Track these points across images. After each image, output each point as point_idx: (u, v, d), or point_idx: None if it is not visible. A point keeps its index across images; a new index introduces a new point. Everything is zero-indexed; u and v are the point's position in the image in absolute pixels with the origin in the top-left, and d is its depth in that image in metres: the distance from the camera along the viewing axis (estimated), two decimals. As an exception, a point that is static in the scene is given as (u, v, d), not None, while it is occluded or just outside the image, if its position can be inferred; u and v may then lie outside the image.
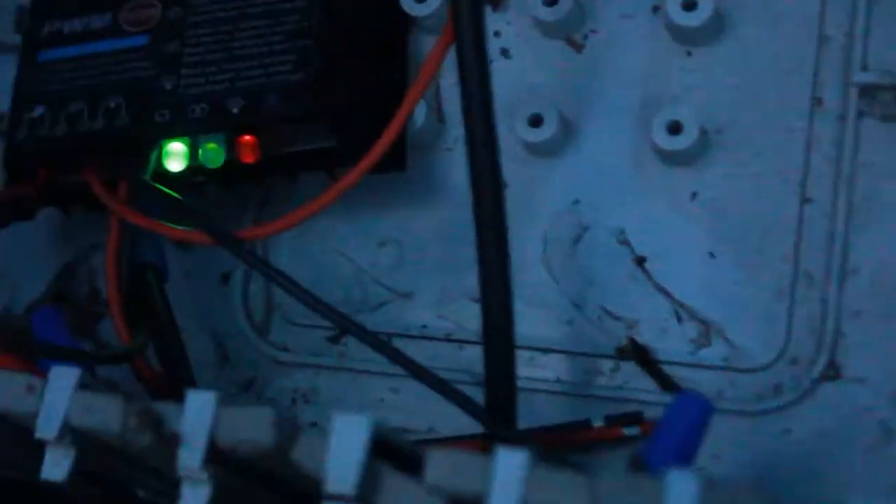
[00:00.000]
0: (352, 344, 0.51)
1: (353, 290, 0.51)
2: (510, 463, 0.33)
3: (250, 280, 0.52)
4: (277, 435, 0.35)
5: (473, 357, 0.48)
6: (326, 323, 0.50)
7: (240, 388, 0.51)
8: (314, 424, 0.49)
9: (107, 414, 0.37)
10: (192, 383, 0.47)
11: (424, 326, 0.50)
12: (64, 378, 0.37)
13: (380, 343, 0.44)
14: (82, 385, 0.37)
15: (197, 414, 0.36)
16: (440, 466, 0.34)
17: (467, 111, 0.40)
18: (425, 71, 0.42)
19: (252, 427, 0.35)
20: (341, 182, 0.43)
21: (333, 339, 0.51)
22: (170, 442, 0.36)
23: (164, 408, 0.37)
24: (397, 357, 0.43)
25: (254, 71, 0.46)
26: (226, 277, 0.53)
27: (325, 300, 0.43)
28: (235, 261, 0.52)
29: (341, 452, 0.34)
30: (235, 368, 0.52)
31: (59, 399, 0.37)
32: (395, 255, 0.51)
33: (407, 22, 0.51)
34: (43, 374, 0.42)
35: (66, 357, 0.43)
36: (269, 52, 0.46)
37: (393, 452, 0.36)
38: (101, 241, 0.54)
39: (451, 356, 0.49)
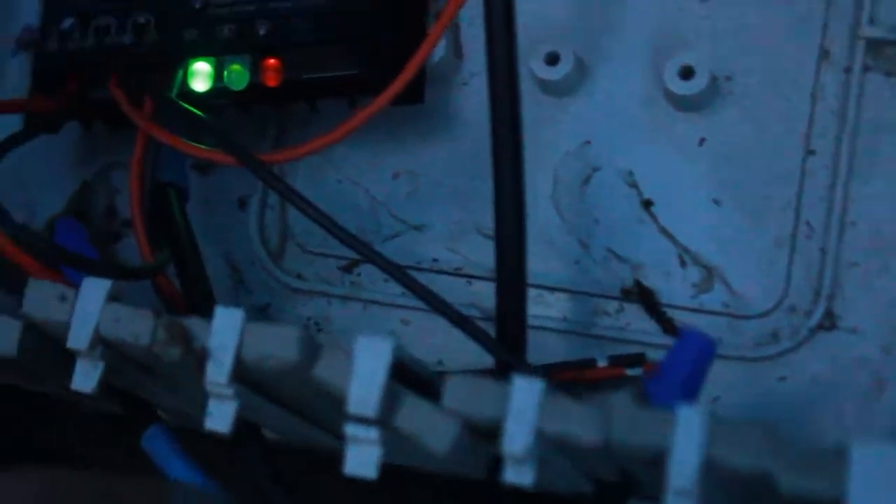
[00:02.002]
0: (365, 274, 0.52)
1: (366, 220, 0.52)
2: (526, 390, 0.34)
3: (266, 206, 0.53)
4: (302, 352, 0.36)
5: (483, 292, 0.50)
6: (340, 252, 0.51)
7: (254, 314, 0.52)
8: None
9: (137, 326, 0.38)
10: (213, 303, 0.48)
11: (435, 260, 0.51)
12: (96, 289, 0.38)
13: (398, 271, 0.45)
14: (113, 297, 0.39)
15: (225, 329, 0.37)
16: (458, 392, 0.35)
17: (491, 47, 0.41)
18: (452, 2, 0.43)
19: (279, 343, 0.36)
20: (364, 110, 0.44)
21: (347, 269, 0.52)
22: (197, 357, 0.37)
23: (193, 322, 0.38)
24: (414, 286, 0.44)
25: (284, -8, 0.47)
26: (242, 203, 0.54)
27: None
28: (252, 186, 0.53)
29: (364, 374, 0.35)
30: (250, 294, 0.53)
31: (90, 309, 0.38)
32: (409, 187, 0.52)
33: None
34: (66, 280, 0.43)
35: (90, 268, 0.44)
36: (298, -26, 0.47)
37: (411, 377, 0.37)
38: (121, 160, 0.55)
39: (461, 290, 0.50)
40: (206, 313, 0.46)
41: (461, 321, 0.43)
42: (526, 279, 0.42)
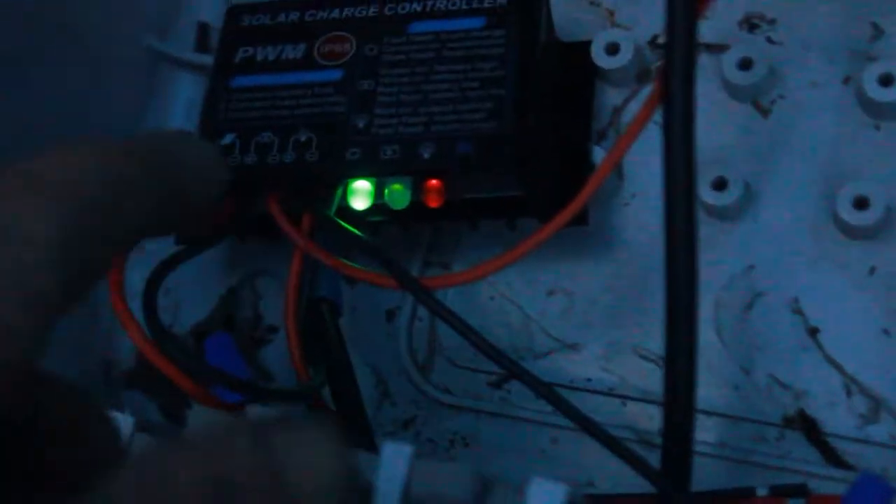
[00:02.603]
0: (514, 391, 0.51)
1: (518, 337, 0.51)
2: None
3: (415, 318, 0.53)
4: (475, 491, 0.35)
5: (638, 413, 0.49)
6: (490, 367, 0.51)
7: (399, 426, 0.52)
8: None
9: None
10: (367, 423, 0.47)
11: (589, 379, 0.50)
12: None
13: (547, 390, 0.44)
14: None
15: (393, 465, 0.36)
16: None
17: (670, 177, 0.40)
18: (631, 130, 0.42)
19: (449, 481, 0.35)
20: (530, 240, 0.43)
21: (496, 385, 0.51)
22: (361, 492, 0.36)
23: (359, 456, 0.37)
24: (563, 405, 0.43)
25: (447, 116, 0.46)
26: (390, 314, 0.53)
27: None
28: (401, 298, 0.53)
29: (537, 517, 0.34)
30: (395, 406, 0.52)
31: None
32: (563, 306, 0.51)
33: (594, 73, 0.51)
34: (218, 401, 0.43)
35: (244, 390, 0.43)
36: (464, 97, 0.46)
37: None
38: (266, 267, 0.55)
39: (615, 411, 0.49)
40: (361, 435, 0.46)
41: (612, 443, 0.42)
42: (695, 406, 0.41)
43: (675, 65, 0.40)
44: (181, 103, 0.59)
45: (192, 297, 0.56)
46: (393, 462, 0.36)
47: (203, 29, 0.59)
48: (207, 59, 0.58)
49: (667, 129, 0.40)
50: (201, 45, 0.59)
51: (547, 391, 0.44)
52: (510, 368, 0.44)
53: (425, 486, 0.36)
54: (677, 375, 0.41)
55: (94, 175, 0.29)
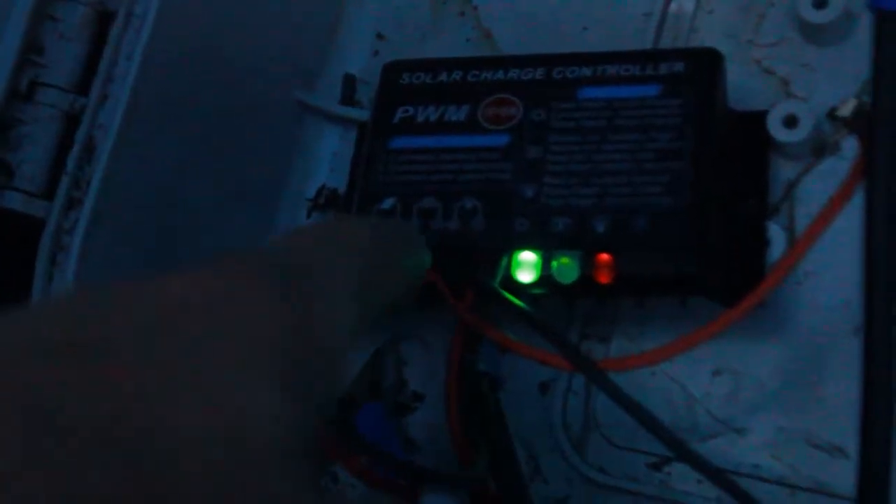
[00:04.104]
0: (675, 473, 0.48)
1: (680, 417, 0.49)
2: None
3: (570, 392, 0.50)
4: None
5: (807, 504, 0.46)
6: (648, 447, 0.48)
7: (552, 507, 0.50)
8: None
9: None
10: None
11: (756, 466, 0.47)
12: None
13: (717, 474, 0.41)
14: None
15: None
16: None
17: (870, 267, 0.38)
18: (824, 216, 0.40)
19: None
20: (715, 323, 0.41)
21: (655, 466, 0.49)
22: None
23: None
24: (735, 490, 0.40)
25: (621, 188, 0.44)
26: (544, 387, 0.51)
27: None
28: (556, 371, 0.51)
29: None
30: (547, 483, 0.50)
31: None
32: (730, 387, 0.48)
33: (769, 145, 0.49)
34: (379, 478, 0.41)
35: (411, 474, 0.41)
36: (639, 169, 0.44)
37: None
38: (410, 332, 0.53)
39: (783, 501, 0.46)
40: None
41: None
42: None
43: (880, 146, 0.38)
44: (326, 156, 0.57)
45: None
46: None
47: (349, 81, 0.57)
48: (353, 112, 0.56)
49: (869, 212, 0.38)
50: (347, 98, 0.57)
51: (717, 475, 0.41)
52: (678, 449, 0.41)
53: None
54: (873, 470, 0.38)
55: (372, 238, 0.36)
